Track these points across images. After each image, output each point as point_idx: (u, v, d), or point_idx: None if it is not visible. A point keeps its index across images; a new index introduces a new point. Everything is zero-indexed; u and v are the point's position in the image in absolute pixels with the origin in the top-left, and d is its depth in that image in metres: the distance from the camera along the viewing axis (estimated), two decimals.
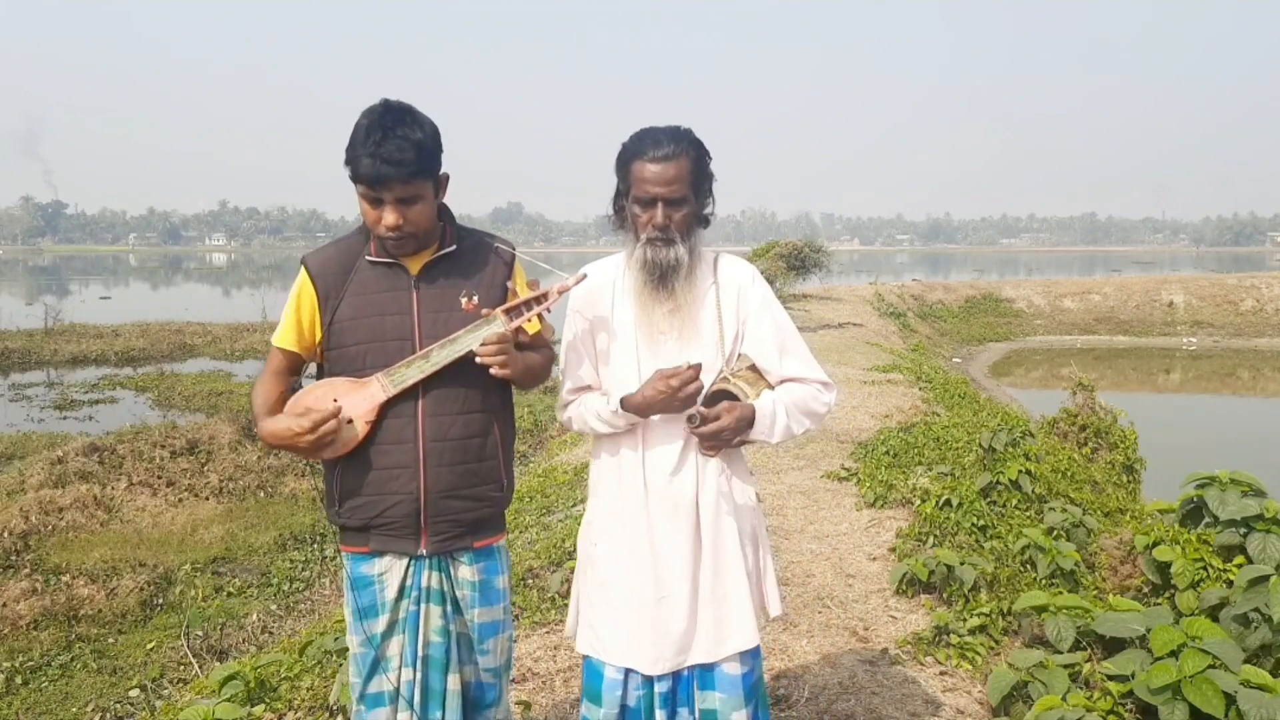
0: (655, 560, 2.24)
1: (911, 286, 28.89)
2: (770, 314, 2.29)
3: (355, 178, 2.14)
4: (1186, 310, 27.59)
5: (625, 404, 2.19)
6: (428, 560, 2.28)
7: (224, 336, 22.28)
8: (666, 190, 2.15)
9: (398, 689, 2.29)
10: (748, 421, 2.17)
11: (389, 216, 2.14)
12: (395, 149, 2.09)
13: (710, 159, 2.24)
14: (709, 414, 2.13)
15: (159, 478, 9.35)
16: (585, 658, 2.35)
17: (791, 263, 21.08)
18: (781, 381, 2.28)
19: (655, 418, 2.22)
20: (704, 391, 2.20)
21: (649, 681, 2.25)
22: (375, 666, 2.29)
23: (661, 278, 2.19)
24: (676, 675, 2.26)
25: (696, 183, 2.19)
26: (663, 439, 2.24)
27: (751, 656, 2.29)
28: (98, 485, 8.94)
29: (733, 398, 2.20)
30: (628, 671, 2.26)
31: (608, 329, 2.30)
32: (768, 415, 2.19)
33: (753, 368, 2.27)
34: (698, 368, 2.14)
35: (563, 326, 2.41)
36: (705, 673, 2.26)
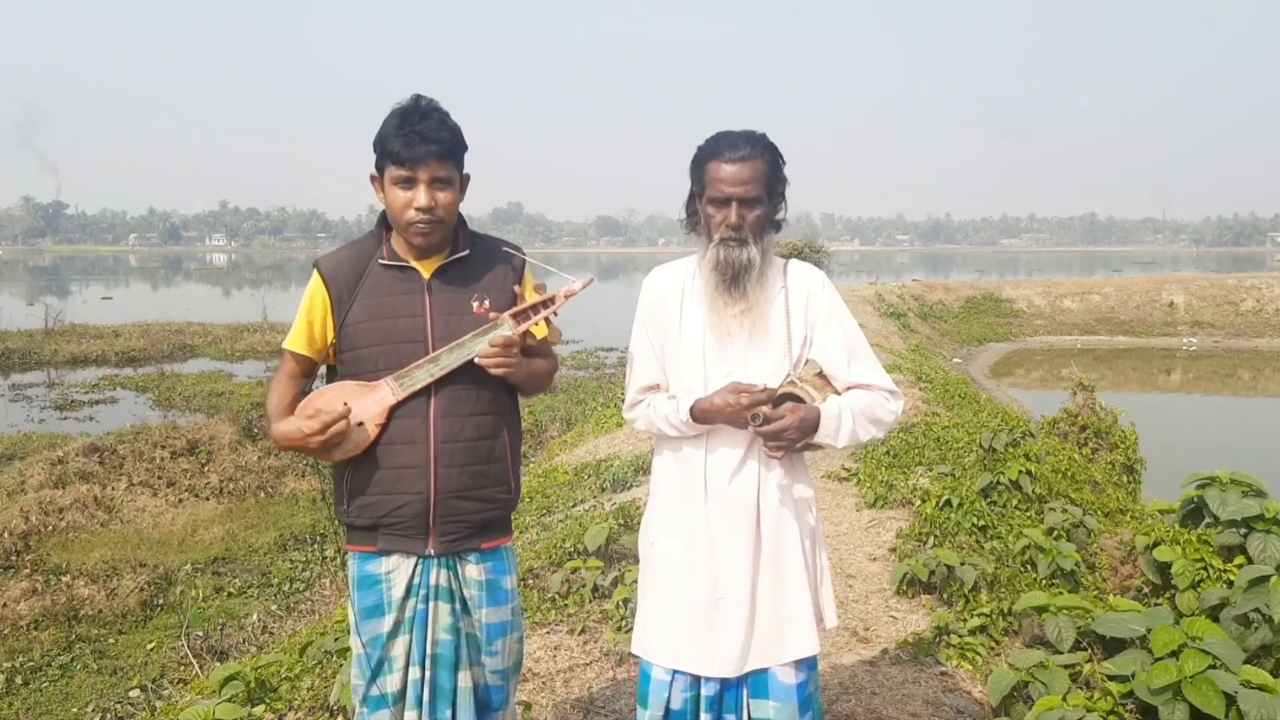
0: (713, 561, 2.21)
1: (912, 287, 28.85)
2: (839, 320, 2.27)
3: (390, 158, 2.16)
4: (1187, 310, 27.57)
5: (693, 410, 2.17)
6: (436, 559, 2.28)
7: (224, 337, 22.32)
8: (741, 190, 2.15)
9: (403, 689, 2.28)
10: (812, 424, 2.13)
11: (421, 196, 2.17)
12: (433, 127, 2.15)
13: (784, 163, 2.24)
14: (773, 414, 2.10)
15: (159, 478, 9.36)
16: (640, 659, 2.32)
17: None
18: (849, 388, 2.25)
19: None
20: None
21: (696, 684, 2.22)
22: (379, 668, 2.28)
23: (734, 278, 2.19)
24: (724, 680, 2.22)
25: (771, 185, 2.20)
26: (726, 439, 2.22)
27: (808, 666, 2.25)
28: (98, 485, 8.94)
29: (799, 401, 2.16)
30: (675, 673, 2.23)
31: (676, 330, 2.28)
32: (833, 419, 2.15)
33: (820, 374, 2.24)
34: (773, 392, 2.12)
35: (629, 329, 2.38)
36: (759, 679, 2.22)
